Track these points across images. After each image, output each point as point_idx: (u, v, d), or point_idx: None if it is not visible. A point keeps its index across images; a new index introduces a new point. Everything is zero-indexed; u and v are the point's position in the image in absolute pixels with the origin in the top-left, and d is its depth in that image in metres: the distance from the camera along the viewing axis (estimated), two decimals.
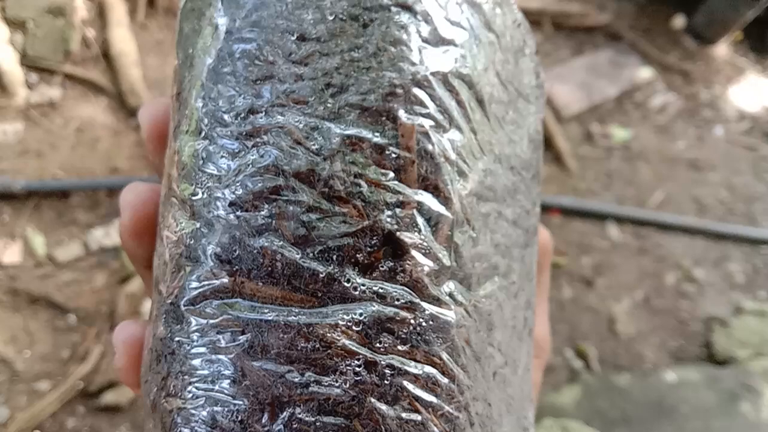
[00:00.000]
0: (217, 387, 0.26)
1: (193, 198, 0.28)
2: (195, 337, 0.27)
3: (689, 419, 1.36)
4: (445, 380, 0.27)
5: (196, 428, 0.26)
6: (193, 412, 0.27)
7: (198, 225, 0.28)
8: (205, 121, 0.28)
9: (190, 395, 0.27)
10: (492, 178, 0.29)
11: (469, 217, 0.28)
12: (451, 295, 0.27)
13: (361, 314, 0.26)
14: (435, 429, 0.26)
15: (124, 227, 0.33)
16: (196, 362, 0.27)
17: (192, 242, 0.28)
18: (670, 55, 2.30)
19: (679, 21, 2.38)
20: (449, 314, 0.27)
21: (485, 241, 0.29)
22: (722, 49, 2.37)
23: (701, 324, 1.70)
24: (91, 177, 1.67)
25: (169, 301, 0.28)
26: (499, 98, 0.30)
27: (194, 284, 0.27)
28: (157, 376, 0.28)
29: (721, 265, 1.85)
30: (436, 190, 0.27)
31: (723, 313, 1.72)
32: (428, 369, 0.27)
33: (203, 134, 0.28)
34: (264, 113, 0.27)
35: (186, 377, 0.27)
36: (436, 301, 0.27)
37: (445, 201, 0.27)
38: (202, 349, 0.27)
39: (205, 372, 0.27)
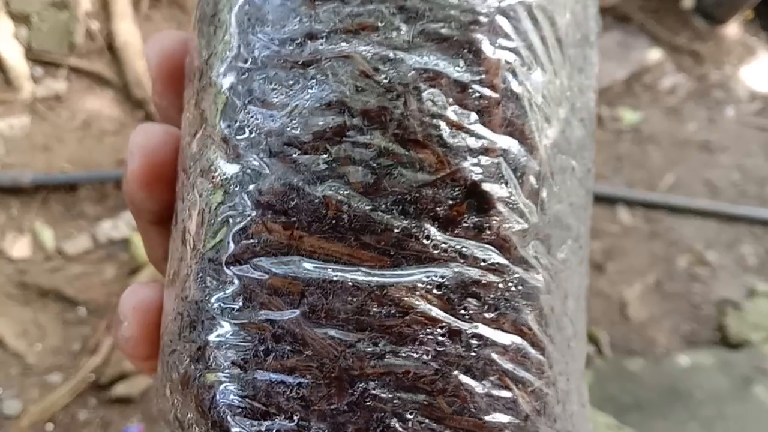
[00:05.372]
0: (270, 358, 0.23)
1: (238, 137, 0.24)
2: (241, 300, 0.24)
3: (702, 403, 1.35)
4: (535, 353, 0.24)
5: (243, 406, 0.23)
6: (238, 388, 0.23)
7: (243, 169, 0.24)
8: (251, 46, 0.24)
9: (236, 368, 0.23)
10: (569, 129, 0.26)
11: (553, 169, 0.25)
12: (536, 257, 0.24)
13: (442, 276, 0.23)
14: (525, 408, 0.24)
15: (134, 175, 0.29)
16: (243, 329, 0.23)
17: (235, 189, 0.24)
18: (679, 36, 2.27)
19: (688, 1, 2.35)
20: (539, 278, 0.24)
21: (564, 198, 0.26)
22: (732, 29, 2.33)
23: (714, 307, 1.69)
24: (98, 170, 1.67)
25: (207, 257, 0.25)
26: (574, 41, 0.27)
27: (240, 238, 0.24)
28: (191, 345, 0.25)
29: (733, 247, 1.83)
30: (522, 137, 0.24)
31: (736, 296, 1.71)
32: (517, 339, 0.24)
33: (249, 62, 0.24)
34: (325, 39, 0.23)
35: (230, 347, 0.24)
36: (525, 264, 0.24)
37: (531, 149, 0.24)
38: (251, 314, 0.23)
39: (255, 341, 0.23)
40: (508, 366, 0.23)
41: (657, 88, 2.16)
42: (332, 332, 0.23)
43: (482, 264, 0.23)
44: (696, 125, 2.09)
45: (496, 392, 0.23)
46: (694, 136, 2.06)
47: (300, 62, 0.23)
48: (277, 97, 0.23)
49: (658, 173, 1.96)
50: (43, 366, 1.39)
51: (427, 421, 0.23)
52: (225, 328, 0.24)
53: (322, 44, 0.23)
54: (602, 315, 1.65)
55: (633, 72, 2.15)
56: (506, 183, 0.23)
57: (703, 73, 2.22)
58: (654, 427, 1.29)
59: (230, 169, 0.24)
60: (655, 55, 2.20)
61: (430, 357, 0.23)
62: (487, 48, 0.23)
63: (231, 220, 0.24)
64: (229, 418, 0.23)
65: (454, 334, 0.23)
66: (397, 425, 0.22)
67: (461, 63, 0.23)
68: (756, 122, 2.13)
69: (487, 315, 0.23)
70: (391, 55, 0.23)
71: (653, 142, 2.02)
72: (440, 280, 0.23)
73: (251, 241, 0.24)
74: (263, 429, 0.23)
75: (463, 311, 0.23)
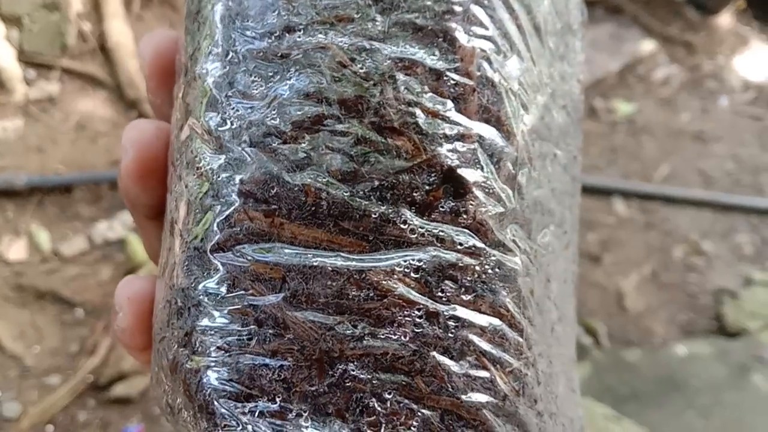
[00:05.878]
0: (253, 342, 0.23)
1: (221, 129, 0.25)
2: (225, 286, 0.24)
3: (700, 392, 1.36)
4: (513, 334, 0.24)
5: (227, 389, 0.23)
6: (224, 371, 0.24)
7: (226, 159, 0.25)
8: (233, 40, 0.25)
9: (221, 352, 0.24)
10: (549, 116, 0.27)
11: (531, 155, 0.26)
12: (514, 241, 0.25)
13: (419, 260, 0.23)
14: (504, 388, 0.24)
15: (128, 170, 0.29)
16: (228, 315, 0.24)
17: (219, 179, 0.25)
18: (672, 27, 2.28)
19: None
20: (516, 261, 0.25)
21: (545, 183, 0.27)
22: (725, 19, 2.34)
23: (710, 297, 1.69)
24: (92, 171, 1.67)
25: (193, 246, 0.25)
26: (554, 29, 0.27)
27: (223, 227, 0.24)
28: (179, 331, 0.25)
29: (728, 237, 1.84)
30: (498, 123, 0.24)
31: (732, 285, 1.71)
32: (495, 321, 0.24)
33: (230, 56, 0.25)
34: (302, 32, 0.24)
35: (215, 332, 0.24)
36: (502, 247, 0.24)
37: (507, 135, 0.25)
38: (235, 300, 0.24)
39: (238, 325, 0.24)
40: (486, 347, 0.24)
41: (650, 79, 2.16)
42: (313, 316, 0.23)
43: (459, 247, 0.24)
44: (690, 115, 2.10)
45: (473, 372, 0.24)
46: (688, 126, 2.07)
47: (279, 54, 0.24)
48: (257, 89, 0.24)
49: (653, 164, 1.96)
50: (42, 368, 1.39)
51: (405, 400, 0.23)
52: (210, 314, 0.24)
53: (300, 36, 0.24)
54: (599, 306, 1.65)
55: (626, 63, 2.15)
56: (482, 168, 0.24)
57: (696, 64, 2.23)
58: (652, 417, 1.30)
59: (214, 160, 0.25)
60: (647, 46, 2.20)
61: (408, 338, 0.23)
62: (461, 37, 0.24)
63: (215, 210, 0.25)
64: (214, 401, 0.24)
65: (431, 315, 0.23)
66: (376, 405, 0.23)
67: (436, 52, 0.24)
68: (749, 111, 2.14)
69: (464, 297, 0.24)
70: (367, 45, 0.24)
71: (647, 133, 2.03)
72: (418, 263, 0.23)
73: (234, 229, 0.24)
74: (247, 411, 0.23)
75: (440, 293, 0.23)
